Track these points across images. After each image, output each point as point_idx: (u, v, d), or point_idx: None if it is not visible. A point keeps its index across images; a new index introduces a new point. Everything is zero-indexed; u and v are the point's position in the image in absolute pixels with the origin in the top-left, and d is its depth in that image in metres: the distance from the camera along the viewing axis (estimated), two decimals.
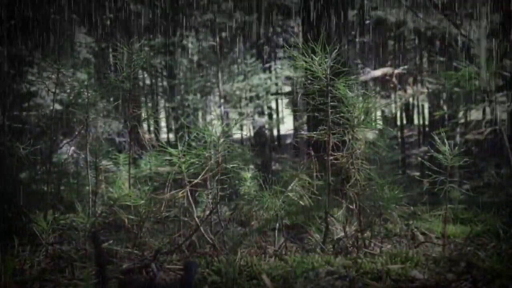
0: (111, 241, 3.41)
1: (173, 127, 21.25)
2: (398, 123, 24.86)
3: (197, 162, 3.26)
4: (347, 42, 6.86)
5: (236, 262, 2.70)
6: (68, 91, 3.66)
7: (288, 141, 25.43)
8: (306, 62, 3.14)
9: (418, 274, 2.68)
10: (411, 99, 24.58)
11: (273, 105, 25.52)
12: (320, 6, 6.60)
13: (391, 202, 3.21)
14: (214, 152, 3.29)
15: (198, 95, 19.49)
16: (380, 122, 3.45)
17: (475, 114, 18.36)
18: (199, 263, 2.80)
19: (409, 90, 20.07)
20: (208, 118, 20.17)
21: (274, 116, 25.42)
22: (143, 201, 3.31)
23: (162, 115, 18.03)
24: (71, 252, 3.11)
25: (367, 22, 16.47)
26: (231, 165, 3.34)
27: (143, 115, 3.93)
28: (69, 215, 3.64)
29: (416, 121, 27.81)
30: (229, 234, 3.32)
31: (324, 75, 3.15)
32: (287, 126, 26.24)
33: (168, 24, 17.32)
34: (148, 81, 19.72)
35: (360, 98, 3.15)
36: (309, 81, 3.20)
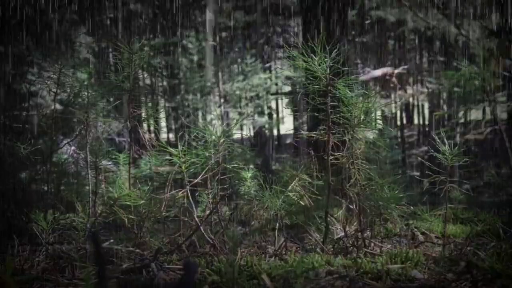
0: (111, 241, 3.41)
1: (173, 127, 21.27)
2: (398, 123, 24.87)
3: (197, 162, 3.26)
4: (347, 42, 6.86)
5: (236, 262, 2.69)
6: (68, 91, 3.66)
7: (288, 141, 25.43)
8: (306, 62, 3.13)
9: (418, 274, 2.68)
10: (411, 99, 24.60)
11: (273, 105, 25.52)
12: (320, 6, 6.60)
13: (391, 202, 3.20)
14: (214, 152, 3.29)
15: (198, 95, 19.49)
16: (380, 122, 3.44)
17: (475, 114, 18.38)
18: (199, 263, 2.80)
19: (409, 90, 20.07)
20: (208, 118, 20.17)
21: (274, 116, 25.42)
22: (143, 201, 3.31)
23: (162, 115, 18.02)
24: (71, 252, 3.11)
25: (367, 22, 16.48)
26: (231, 165, 3.34)
27: (143, 115, 3.92)
28: (69, 215, 3.64)
29: (416, 121, 27.82)
30: (229, 234, 3.32)
31: (324, 75, 3.15)
32: (287, 126, 26.26)
33: (168, 24, 17.32)
34: (148, 81, 19.72)
35: (360, 98, 3.15)
36: (309, 81, 3.20)
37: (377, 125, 3.31)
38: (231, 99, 20.57)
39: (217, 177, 3.30)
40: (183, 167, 3.25)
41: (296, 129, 16.16)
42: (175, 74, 19.46)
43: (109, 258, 3.00)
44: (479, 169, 14.94)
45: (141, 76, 3.70)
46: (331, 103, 3.18)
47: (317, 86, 3.17)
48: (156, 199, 3.37)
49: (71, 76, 3.67)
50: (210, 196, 3.35)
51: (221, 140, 3.29)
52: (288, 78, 20.83)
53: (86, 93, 3.46)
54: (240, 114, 20.21)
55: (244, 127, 24.19)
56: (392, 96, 19.76)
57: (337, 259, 2.88)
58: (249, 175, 3.63)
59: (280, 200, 3.30)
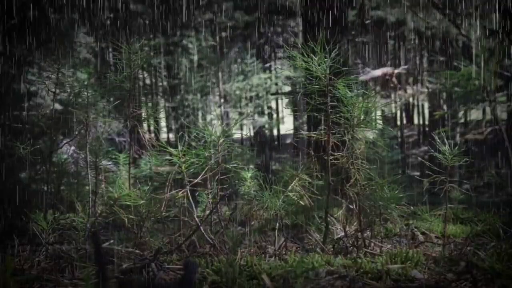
0: (111, 241, 3.41)
1: (173, 127, 21.27)
2: (398, 123, 24.89)
3: (197, 162, 3.26)
4: (347, 42, 6.86)
5: (236, 262, 2.70)
6: (68, 91, 3.67)
7: (288, 141, 25.43)
8: (305, 62, 3.13)
9: (418, 274, 2.68)
10: (411, 99, 24.61)
11: (273, 105, 25.53)
12: (320, 6, 6.60)
13: (391, 202, 3.20)
14: (214, 152, 3.29)
15: (198, 95, 19.50)
16: (380, 122, 3.44)
17: (475, 114, 18.39)
18: (199, 263, 2.80)
19: (409, 90, 20.09)
20: (208, 118, 20.18)
21: (274, 116, 25.43)
22: (143, 201, 3.31)
23: (162, 115, 18.01)
24: (71, 252, 3.11)
25: (367, 22, 16.47)
26: (231, 165, 3.34)
27: (143, 115, 3.93)
28: (69, 215, 3.64)
29: (416, 121, 27.84)
30: (229, 234, 3.32)
31: (323, 75, 3.15)
32: (287, 126, 26.26)
33: (168, 24, 17.33)
34: (148, 81, 19.74)
35: (360, 98, 3.15)
36: (309, 81, 3.20)
37: (377, 125, 3.31)
38: (231, 99, 20.57)
39: (217, 177, 3.30)
40: (183, 167, 3.25)
41: (296, 129, 16.17)
42: (175, 74, 19.46)
43: (109, 258, 3.00)
44: (479, 169, 14.95)
45: (141, 76, 3.71)
46: (331, 103, 3.18)
47: (317, 86, 3.17)
48: (156, 199, 3.37)
49: (71, 76, 3.67)
50: (210, 196, 3.35)
51: (221, 140, 3.29)
52: (288, 78, 20.83)
53: (86, 93, 3.47)
54: (240, 114, 20.22)
55: (244, 127, 24.19)
56: (392, 96, 19.77)
57: (337, 259, 2.88)
58: (249, 175, 3.63)
59: (280, 200, 3.30)
